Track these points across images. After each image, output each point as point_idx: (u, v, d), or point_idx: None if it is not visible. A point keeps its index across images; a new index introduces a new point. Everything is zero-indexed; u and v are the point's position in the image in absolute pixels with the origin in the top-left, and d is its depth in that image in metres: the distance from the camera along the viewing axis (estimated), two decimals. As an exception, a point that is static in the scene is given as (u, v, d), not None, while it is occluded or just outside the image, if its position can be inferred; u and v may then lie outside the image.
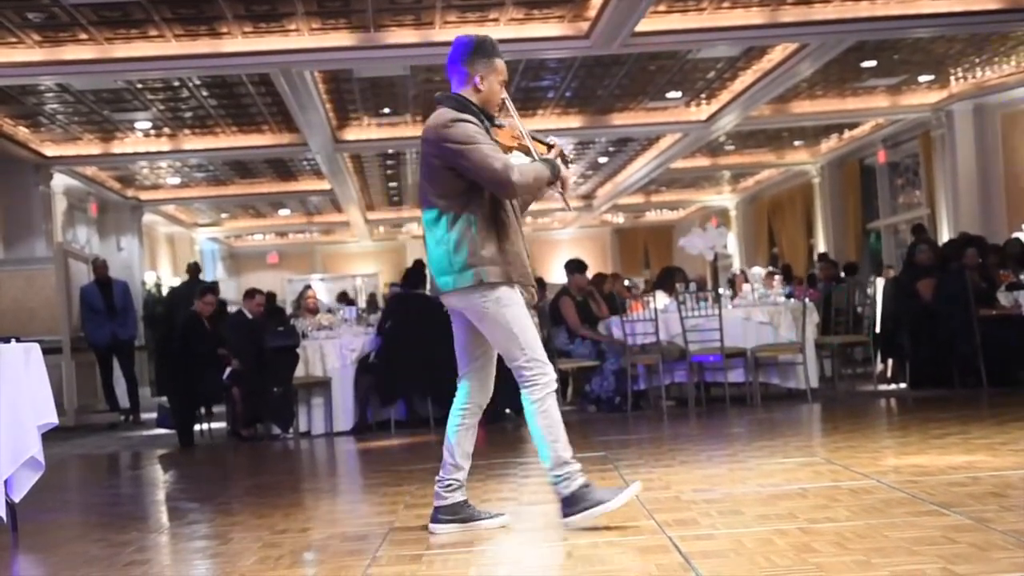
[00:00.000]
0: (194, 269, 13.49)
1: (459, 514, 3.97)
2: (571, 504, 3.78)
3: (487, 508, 4.13)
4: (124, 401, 11.72)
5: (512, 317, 3.83)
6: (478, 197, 3.86)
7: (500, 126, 4.01)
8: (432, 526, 3.98)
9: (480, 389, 4.06)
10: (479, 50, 3.95)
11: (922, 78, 12.77)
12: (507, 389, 10.10)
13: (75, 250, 13.03)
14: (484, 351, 4.03)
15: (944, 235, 13.21)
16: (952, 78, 12.89)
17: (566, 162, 4.03)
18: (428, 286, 9.81)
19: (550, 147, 3.99)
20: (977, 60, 12.06)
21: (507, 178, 3.75)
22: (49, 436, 5.22)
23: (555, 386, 3.88)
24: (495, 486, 5.16)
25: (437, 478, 4.02)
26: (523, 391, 3.85)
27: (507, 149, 3.92)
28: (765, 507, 4.03)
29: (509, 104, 4.02)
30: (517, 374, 3.86)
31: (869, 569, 2.95)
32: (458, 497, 3.99)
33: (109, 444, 9.58)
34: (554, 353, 9.38)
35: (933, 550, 3.10)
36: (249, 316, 9.54)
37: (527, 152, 3.95)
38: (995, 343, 8.86)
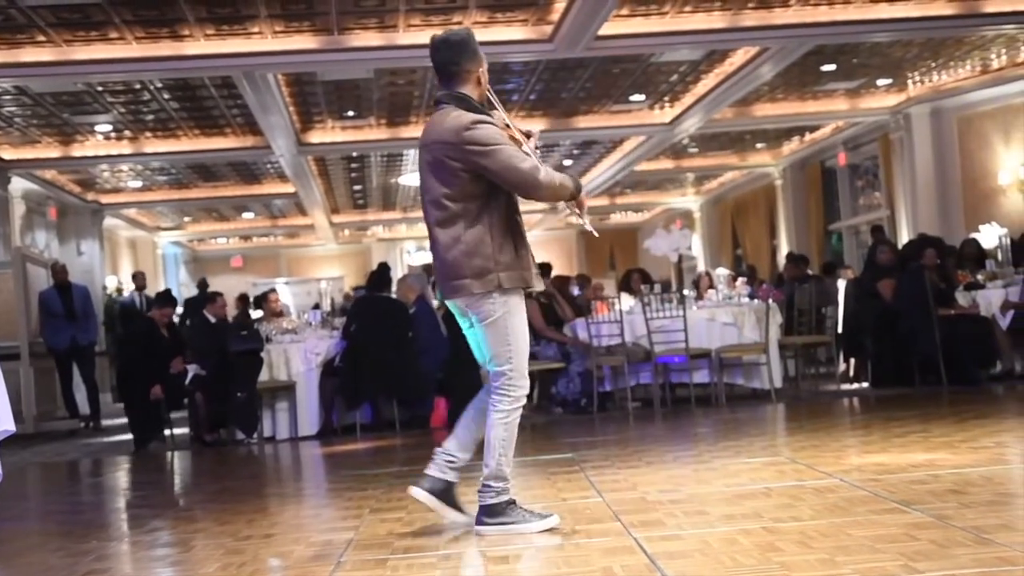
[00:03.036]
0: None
1: (435, 490, 3.98)
2: (491, 514, 3.85)
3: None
4: (84, 407, 11.57)
5: (514, 327, 3.87)
6: (495, 200, 3.86)
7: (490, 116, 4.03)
8: (413, 489, 3.99)
9: None
10: (473, 46, 3.96)
11: (880, 82, 12.93)
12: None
13: (34, 254, 12.85)
14: None
15: (903, 236, 13.37)
16: (910, 82, 13.05)
17: (536, 151, 4.04)
18: (395, 289, 9.84)
19: (528, 135, 4.01)
20: (934, 64, 12.22)
21: (535, 179, 3.78)
22: (7, 444, 5.13)
23: (524, 403, 3.92)
24: (462, 489, 5.13)
25: (440, 450, 4.00)
26: (495, 397, 3.87)
27: None
28: (730, 507, 4.05)
29: (493, 96, 4.02)
30: (495, 378, 3.88)
31: (833, 567, 2.98)
32: (453, 477, 4.01)
33: (69, 451, 9.45)
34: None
35: (895, 547, 3.14)
36: (212, 320, 9.46)
37: (514, 140, 3.94)
38: (954, 342, 8.98)
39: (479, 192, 3.83)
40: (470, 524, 3.97)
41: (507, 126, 3.98)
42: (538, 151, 4.07)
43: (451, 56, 3.93)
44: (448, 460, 3.98)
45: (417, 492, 3.96)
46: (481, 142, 3.78)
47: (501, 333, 3.85)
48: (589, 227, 4.07)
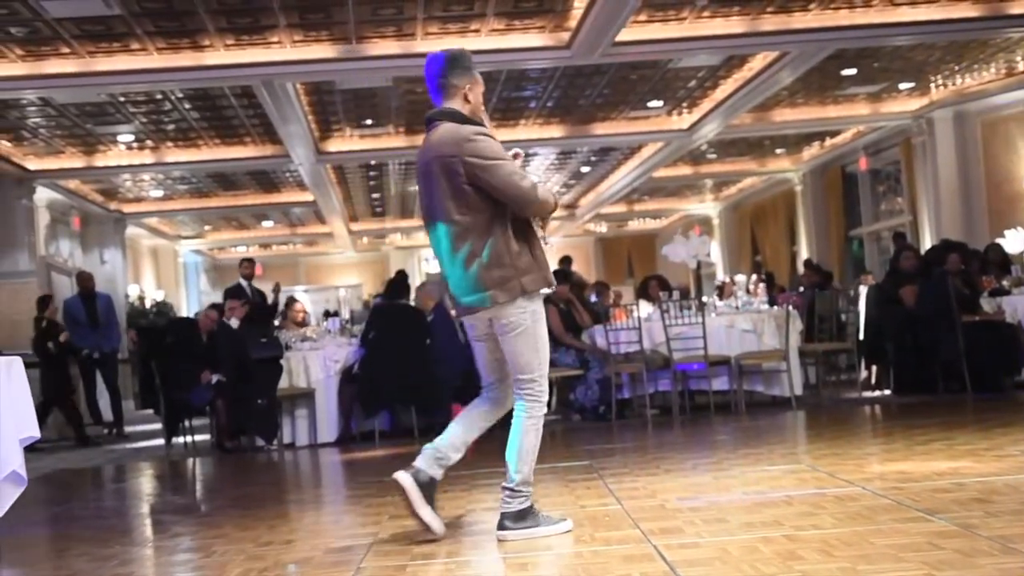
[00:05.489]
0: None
1: (421, 484, 3.94)
2: (515, 519, 3.88)
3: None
4: (107, 414, 11.65)
5: (541, 334, 3.94)
6: (502, 208, 3.87)
7: None
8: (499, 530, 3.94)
9: (503, 403, 4.08)
10: (462, 64, 3.99)
11: (902, 85, 12.86)
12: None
13: (58, 263, 12.97)
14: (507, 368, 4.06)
15: (926, 242, 13.28)
16: (932, 85, 12.98)
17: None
18: (413, 297, 9.86)
19: (516, 156, 4.04)
20: (957, 67, 12.15)
21: (534, 196, 3.82)
22: (32, 450, 5.18)
23: (547, 409, 3.98)
24: (480, 496, 5.15)
25: (427, 447, 4.03)
26: (522, 403, 3.92)
27: None
28: (750, 515, 4.03)
29: (484, 116, 4.07)
30: (523, 386, 3.93)
31: (854, 576, 2.95)
32: (438, 472, 3.99)
33: (92, 457, 9.51)
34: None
35: (919, 557, 3.11)
36: (233, 325, 9.50)
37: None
38: (979, 349, 8.90)
39: (486, 202, 3.84)
40: (432, 533, 3.93)
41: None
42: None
43: (440, 70, 3.98)
44: (438, 457, 3.99)
45: (402, 477, 3.93)
46: (482, 155, 3.82)
47: (531, 342, 3.90)
48: (547, 239, 4.10)
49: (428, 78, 4.01)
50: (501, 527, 3.90)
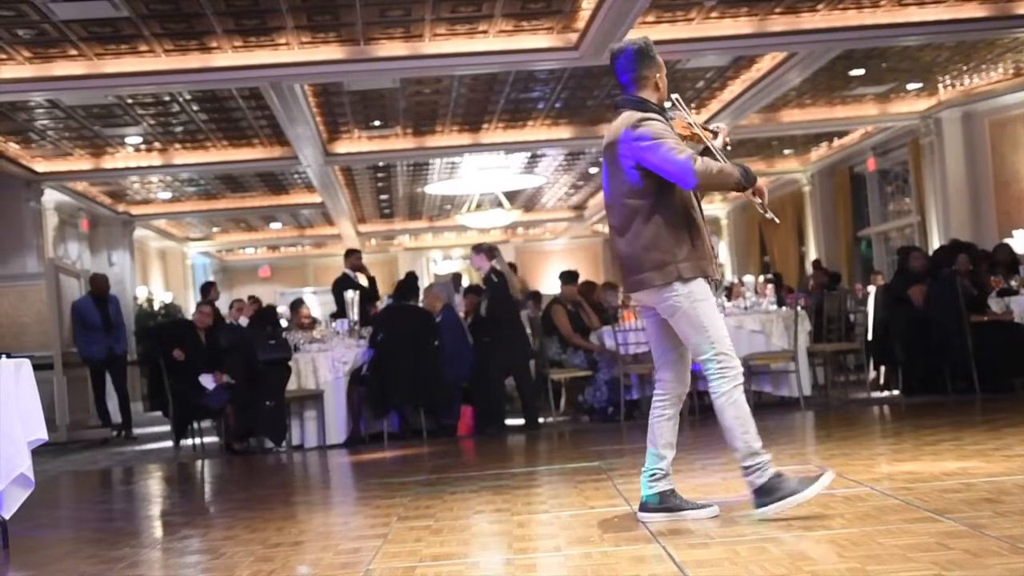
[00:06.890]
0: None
1: (665, 503, 4.05)
2: (764, 494, 3.91)
3: (695, 499, 4.15)
4: (116, 416, 11.67)
5: (703, 312, 3.98)
6: (668, 195, 4.01)
7: (671, 118, 4.18)
8: (640, 515, 4.08)
9: (677, 380, 4.16)
10: (649, 54, 4.16)
11: (910, 86, 12.83)
12: (500, 404, 9.98)
13: (66, 265, 13.00)
14: (678, 343, 4.12)
15: (934, 242, 13.25)
16: (940, 86, 12.95)
17: (726, 147, 4.24)
18: (421, 297, 9.86)
19: (716, 133, 4.20)
20: (965, 67, 12.12)
21: (689, 168, 3.91)
22: (41, 452, 5.20)
23: (742, 379, 4.02)
24: (490, 497, 5.15)
25: (643, 469, 4.11)
26: (712, 383, 3.99)
27: (682, 139, 4.12)
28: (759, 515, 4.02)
29: (677, 98, 4.22)
30: (706, 367, 4.00)
31: (863, 576, 2.95)
32: (663, 487, 4.07)
33: (101, 459, 9.53)
34: (546, 363, 9.39)
35: (928, 556, 3.10)
36: (242, 324, 9.50)
37: (699, 140, 4.16)
38: (987, 349, 8.88)
39: (652, 188, 4.00)
40: (714, 513, 4.02)
41: (690, 125, 4.17)
42: (728, 147, 4.27)
43: (625, 64, 4.16)
44: (654, 473, 4.07)
45: (644, 516, 4.05)
46: (645, 137, 3.97)
47: (693, 322, 3.97)
48: (769, 215, 4.28)
49: (620, 71, 4.18)
50: (757, 505, 3.90)
